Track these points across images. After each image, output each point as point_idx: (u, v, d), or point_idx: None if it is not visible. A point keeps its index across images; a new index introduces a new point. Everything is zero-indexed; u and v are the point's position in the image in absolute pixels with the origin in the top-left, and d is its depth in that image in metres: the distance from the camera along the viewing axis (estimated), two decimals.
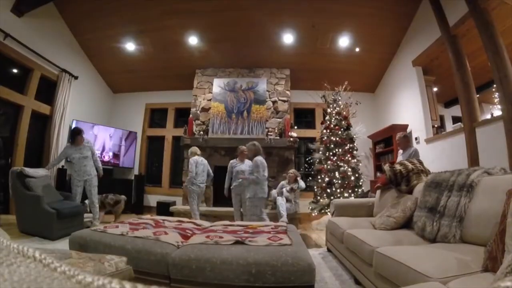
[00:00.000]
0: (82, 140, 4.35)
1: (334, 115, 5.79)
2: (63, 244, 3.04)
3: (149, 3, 5.41)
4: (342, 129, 5.62)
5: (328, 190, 5.22)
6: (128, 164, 7.11)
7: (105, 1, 5.38)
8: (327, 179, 5.31)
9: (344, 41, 6.07)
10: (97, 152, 5.35)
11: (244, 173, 4.34)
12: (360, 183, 5.40)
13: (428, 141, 5.15)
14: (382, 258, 1.59)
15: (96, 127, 6.59)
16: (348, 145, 5.52)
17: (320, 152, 5.61)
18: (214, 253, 1.80)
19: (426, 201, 2.10)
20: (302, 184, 5.01)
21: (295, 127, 6.99)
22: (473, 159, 3.91)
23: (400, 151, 4.37)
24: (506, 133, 3.41)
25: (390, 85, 6.71)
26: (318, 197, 5.39)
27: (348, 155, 5.43)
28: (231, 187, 4.52)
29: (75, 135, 4.32)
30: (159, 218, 3.09)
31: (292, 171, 5.04)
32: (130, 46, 6.34)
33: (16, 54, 4.86)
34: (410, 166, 2.79)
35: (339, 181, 5.22)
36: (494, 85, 4.21)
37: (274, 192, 5.08)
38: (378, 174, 6.36)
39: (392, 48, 6.25)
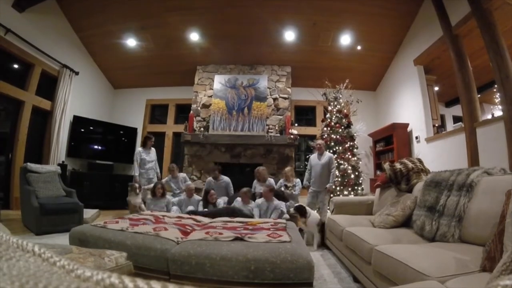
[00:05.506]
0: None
1: (334, 113, 5.79)
2: (47, 240, 3.07)
3: None
4: (342, 127, 5.62)
5: None
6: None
7: None
8: None
9: (345, 39, 6.04)
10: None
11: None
12: (360, 181, 5.41)
13: (428, 140, 5.15)
14: (381, 256, 1.60)
15: None
16: (349, 143, 5.52)
17: None
18: (214, 249, 1.81)
19: (426, 200, 2.10)
20: (298, 188, 4.81)
21: (296, 125, 6.99)
22: (473, 159, 3.91)
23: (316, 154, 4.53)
24: (506, 133, 3.41)
25: (391, 83, 6.69)
26: None
27: (348, 153, 5.43)
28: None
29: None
30: (159, 214, 3.10)
31: (287, 169, 4.97)
32: (131, 42, 6.32)
33: (17, 49, 4.84)
34: (410, 165, 2.79)
35: (339, 179, 5.23)
36: (495, 86, 4.20)
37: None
38: (378, 172, 6.37)
39: (394, 47, 6.23)
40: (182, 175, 5.26)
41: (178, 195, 4.81)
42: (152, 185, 4.60)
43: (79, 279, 0.24)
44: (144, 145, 5.23)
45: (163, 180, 4.98)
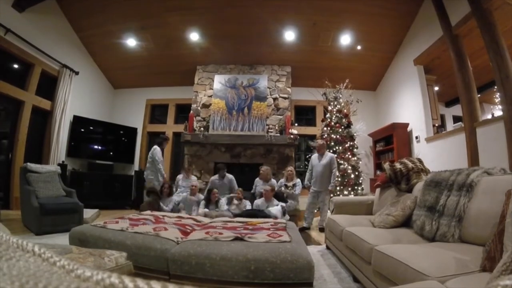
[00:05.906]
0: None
1: (334, 112, 5.79)
2: (47, 240, 3.07)
3: None
4: (342, 127, 5.63)
5: None
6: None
7: None
8: None
9: (345, 39, 6.04)
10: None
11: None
12: (360, 181, 5.41)
13: (428, 140, 5.15)
14: (381, 256, 1.60)
15: None
16: (349, 143, 5.53)
17: None
18: (214, 249, 1.81)
19: (426, 200, 2.10)
20: (298, 188, 4.81)
21: (296, 125, 6.99)
22: (473, 159, 3.91)
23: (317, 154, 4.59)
24: (506, 133, 3.41)
25: (391, 83, 6.69)
26: None
27: (348, 153, 5.44)
28: None
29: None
30: (159, 214, 3.10)
31: (290, 169, 4.98)
32: (131, 42, 6.32)
33: (17, 49, 4.84)
34: (410, 165, 2.79)
35: (339, 179, 5.23)
36: (495, 86, 4.21)
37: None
38: (378, 172, 6.36)
39: (394, 47, 6.23)
40: (193, 177, 5.34)
41: (179, 194, 4.82)
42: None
43: (79, 279, 0.24)
44: (160, 145, 5.17)
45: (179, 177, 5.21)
